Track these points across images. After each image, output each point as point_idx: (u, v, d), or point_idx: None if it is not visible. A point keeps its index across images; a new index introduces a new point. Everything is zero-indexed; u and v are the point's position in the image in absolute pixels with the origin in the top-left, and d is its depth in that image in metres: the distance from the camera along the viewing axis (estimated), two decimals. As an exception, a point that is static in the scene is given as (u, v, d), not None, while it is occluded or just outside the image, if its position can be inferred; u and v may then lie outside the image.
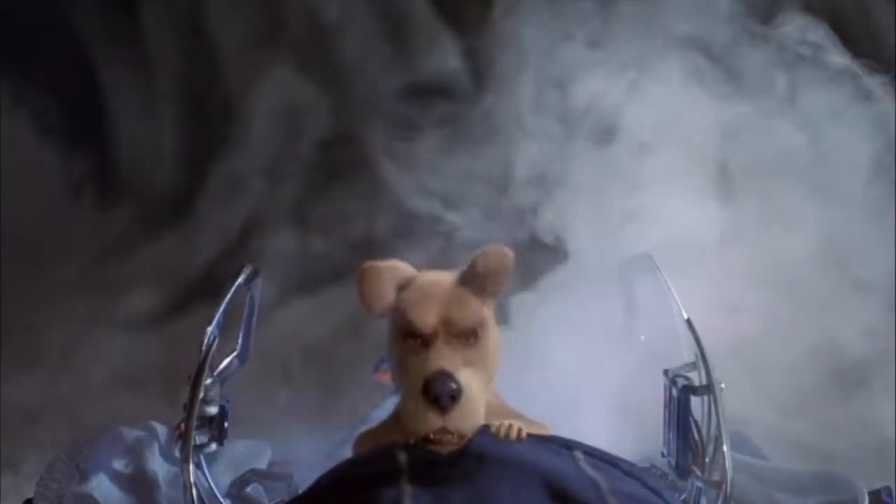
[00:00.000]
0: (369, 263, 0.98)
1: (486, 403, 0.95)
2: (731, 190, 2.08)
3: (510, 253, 0.97)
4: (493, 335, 0.97)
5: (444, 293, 0.96)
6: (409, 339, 0.95)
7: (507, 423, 0.93)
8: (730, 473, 0.94)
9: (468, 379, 0.92)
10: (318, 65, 2.80)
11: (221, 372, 1.07)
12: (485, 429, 0.91)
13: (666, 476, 1.06)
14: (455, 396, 0.91)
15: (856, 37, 2.75)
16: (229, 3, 2.85)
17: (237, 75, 2.85)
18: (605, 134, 2.22)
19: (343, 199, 2.57)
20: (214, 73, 2.86)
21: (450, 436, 0.91)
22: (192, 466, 0.96)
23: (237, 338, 1.12)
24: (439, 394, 0.90)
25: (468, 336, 0.94)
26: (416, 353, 0.94)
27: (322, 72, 2.79)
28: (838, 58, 2.22)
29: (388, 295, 0.97)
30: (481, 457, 0.85)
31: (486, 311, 0.97)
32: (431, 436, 0.91)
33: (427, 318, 0.95)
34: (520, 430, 0.92)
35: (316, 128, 2.75)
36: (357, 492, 0.86)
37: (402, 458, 0.88)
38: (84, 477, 1.06)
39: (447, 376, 0.91)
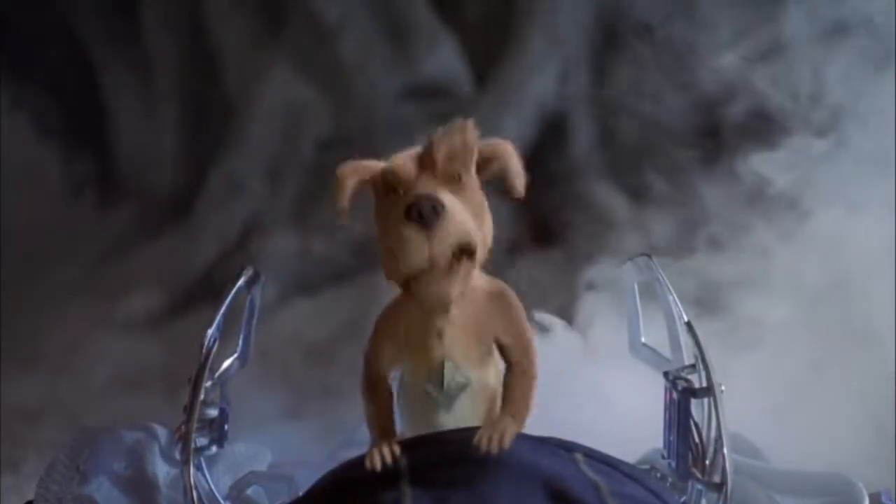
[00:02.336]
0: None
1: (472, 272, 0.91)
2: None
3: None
4: (485, 206, 0.93)
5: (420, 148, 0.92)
6: (391, 194, 0.91)
7: (494, 434, 0.87)
8: (730, 475, 0.94)
9: (453, 202, 0.88)
10: (319, 66, 2.80)
11: (222, 374, 1.07)
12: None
13: (666, 478, 1.06)
14: (438, 210, 0.86)
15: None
16: (229, 4, 2.85)
17: (237, 76, 2.85)
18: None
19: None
20: (214, 74, 2.87)
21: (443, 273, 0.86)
22: (192, 469, 0.95)
23: (237, 340, 1.12)
24: (422, 208, 0.86)
25: (452, 175, 0.90)
26: (396, 203, 0.89)
27: (322, 73, 2.79)
28: None
29: (364, 175, 0.93)
30: (482, 459, 0.85)
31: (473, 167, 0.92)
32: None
33: (406, 162, 0.91)
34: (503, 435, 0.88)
35: (316, 129, 2.75)
36: (357, 494, 0.86)
37: (402, 459, 0.88)
38: (84, 478, 1.06)
39: (430, 196, 0.87)
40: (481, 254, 0.92)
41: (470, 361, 0.95)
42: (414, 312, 0.95)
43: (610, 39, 2.74)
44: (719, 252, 2.06)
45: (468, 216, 0.89)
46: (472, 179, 0.92)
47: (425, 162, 0.91)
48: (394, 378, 0.99)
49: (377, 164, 0.95)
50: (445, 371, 0.94)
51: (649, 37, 2.42)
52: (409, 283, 0.91)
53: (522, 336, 0.96)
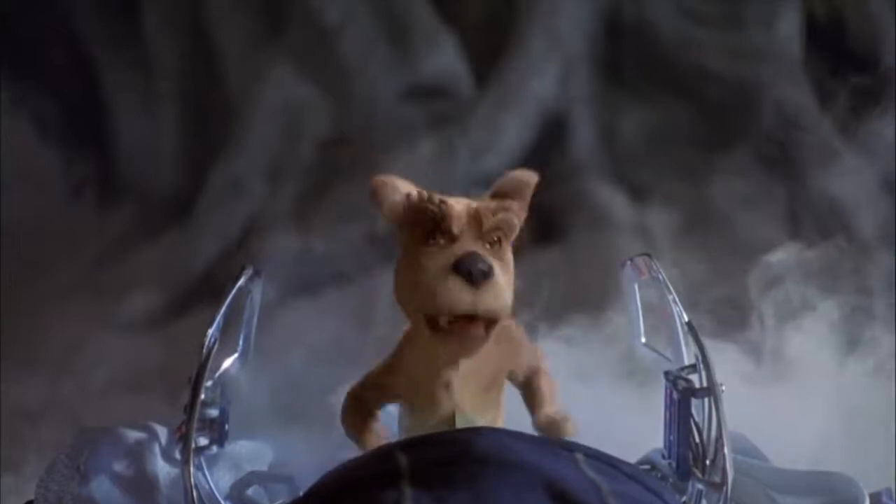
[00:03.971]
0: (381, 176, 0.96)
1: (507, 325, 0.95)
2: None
3: (533, 175, 0.96)
4: (512, 262, 0.96)
5: (467, 200, 0.95)
6: (432, 239, 0.92)
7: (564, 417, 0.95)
8: (730, 475, 0.94)
9: (499, 269, 0.91)
10: (319, 66, 2.80)
11: (222, 374, 1.07)
12: (485, 431, 0.91)
13: (667, 478, 1.06)
14: (487, 273, 0.89)
15: (855, 37, 2.76)
16: (230, 5, 2.85)
17: (237, 76, 2.85)
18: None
19: (344, 201, 2.58)
20: (215, 74, 2.87)
21: (478, 324, 0.90)
22: (192, 468, 0.95)
23: (238, 339, 1.12)
24: (472, 268, 0.89)
25: (496, 237, 0.93)
26: (440, 250, 0.91)
27: (322, 73, 2.79)
28: None
29: (402, 194, 0.95)
30: (482, 459, 0.85)
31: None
32: (454, 321, 0.90)
33: (456, 210, 0.92)
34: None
35: (316, 129, 2.75)
36: (357, 493, 0.86)
37: (403, 459, 0.88)
38: (84, 478, 1.06)
39: (479, 256, 0.90)
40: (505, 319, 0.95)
41: (478, 409, 0.97)
42: (422, 355, 0.96)
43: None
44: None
45: (507, 284, 0.93)
46: (508, 243, 0.96)
47: (475, 220, 0.93)
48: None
49: (411, 188, 0.96)
50: (457, 422, 0.95)
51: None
52: (434, 323, 0.93)
53: (534, 366, 1.01)
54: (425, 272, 0.91)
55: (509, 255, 0.95)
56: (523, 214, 0.96)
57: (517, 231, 0.95)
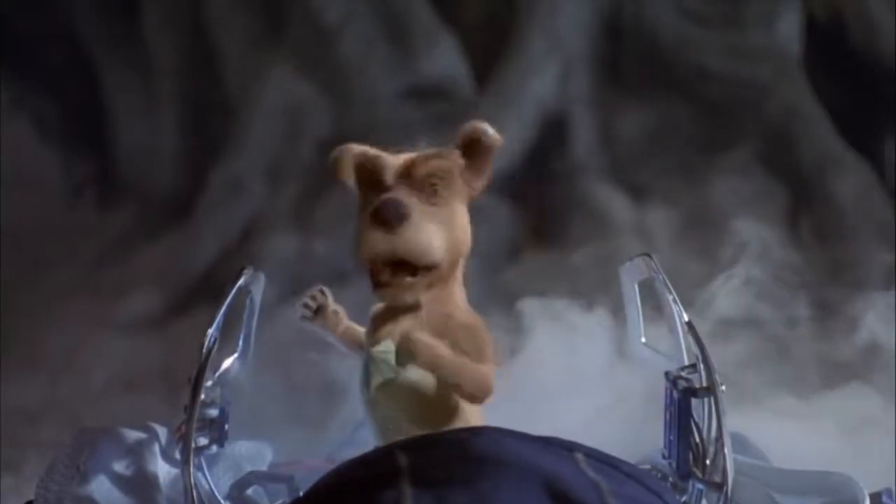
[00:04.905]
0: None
1: (450, 290, 0.97)
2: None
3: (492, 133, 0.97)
4: (461, 214, 0.98)
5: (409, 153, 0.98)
6: (370, 192, 0.96)
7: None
8: (731, 475, 0.94)
9: (422, 215, 0.93)
10: (319, 66, 2.80)
11: (222, 374, 1.07)
12: (485, 431, 0.91)
13: (667, 478, 1.06)
14: (403, 216, 0.92)
15: (856, 37, 2.76)
16: (230, 5, 2.85)
17: (237, 77, 2.85)
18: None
19: (344, 201, 2.58)
20: (215, 75, 2.87)
21: (400, 275, 0.93)
22: (192, 468, 0.95)
23: (238, 340, 1.12)
24: (386, 213, 0.92)
25: (431, 184, 0.95)
26: (372, 202, 0.95)
27: (322, 73, 2.79)
28: None
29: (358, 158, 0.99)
30: (482, 458, 0.85)
31: (458, 182, 0.97)
32: (380, 275, 0.94)
33: (388, 162, 0.97)
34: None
35: (316, 129, 2.75)
36: (357, 493, 0.86)
37: (403, 459, 0.88)
38: (84, 478, 1.06)
39: (397, 201, 0.93)
40: (447, 268, 0.97)
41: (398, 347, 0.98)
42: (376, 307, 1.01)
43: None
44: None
45: (435, 231, 0.95)
46: (453, 195, 0.97)
47: (408, 170, 0.96)
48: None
49: (369, 150, 1.00)
50: (388, 343, 0.97)
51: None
52: (373, 276, 0.96)
53: (482, 363, 0.99)
54: (357, 224, 0.96)
55: (452, 204, 0.97)
56: (481, 168, 0.98)
57: (458, 180, 0.97)
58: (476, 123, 0.99)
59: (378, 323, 1.00)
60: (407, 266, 0.95)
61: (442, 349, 0.96)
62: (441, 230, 0.95)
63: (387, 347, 0.97)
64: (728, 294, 1.98)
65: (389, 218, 0.92)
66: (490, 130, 0.98)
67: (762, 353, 1.99)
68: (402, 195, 0.94)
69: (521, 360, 1.66)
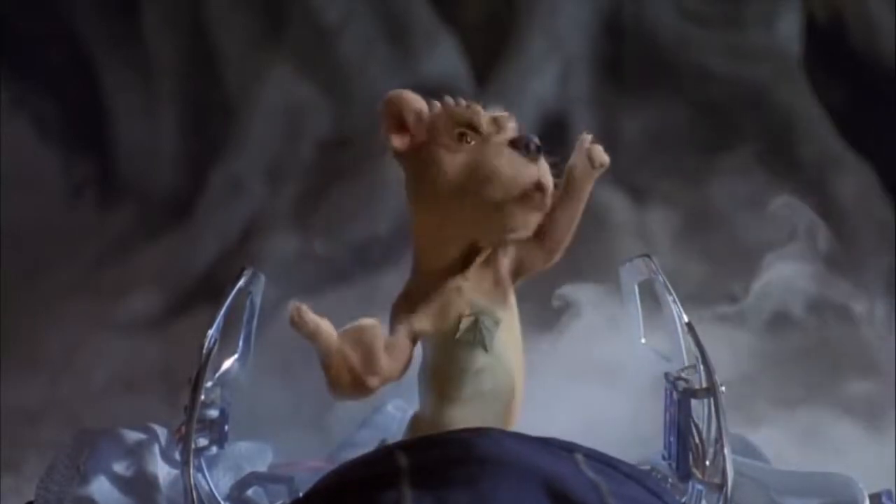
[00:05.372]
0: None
1: None
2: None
3: None
4: None
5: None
6: (464, 141, 0.94)
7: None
8: (730, 476, 0.94)
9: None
10: (319, 66, 2.80)
11: (222, 375, 1.07)
12: (486, 432, 0.91)
13: (666, 479, 1.06)
14: (540, 147, 0.93)
15: (856, 37, 2.76)
16: (230, 5, 2.85)
17: (237, 76, 2.85)
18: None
19: (344, 201, 2.58)
20: (214, 74, 2.87)
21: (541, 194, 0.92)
22: (192, 469, 0.95)
23: (238, 340, 1.12)
24: (529, 140, 0.92)
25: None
26: (479, 144, 0.94)
27: (322, 73, 2.80)
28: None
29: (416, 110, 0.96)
30: (483, 459, 0.86)
31: None
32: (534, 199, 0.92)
33: (482, 110, 0.96)
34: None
35: (316, 129, 2.75)
36: (357, 494, 0.86)
37: (403, 460, 0.88)
38: (84, 479, 1.06)
39: (532, 136, 0.93)
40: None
41: (496, 303, 0.96)
42: (426, 289, 0.96)
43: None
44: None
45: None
46: None
47: (501, 123, 0.96)
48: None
49: (422, 102, 0.97)
50: (475, 308, 0.95)
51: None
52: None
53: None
54: (480, 158, 0.93)
55: None
56: None
57: None
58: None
59: (424, 310, 0.96)
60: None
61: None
62: None
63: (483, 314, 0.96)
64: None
65: (533, 147, 0.92)
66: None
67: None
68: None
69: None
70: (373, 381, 0.93)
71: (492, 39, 2.85)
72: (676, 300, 1.06)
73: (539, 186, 0.93)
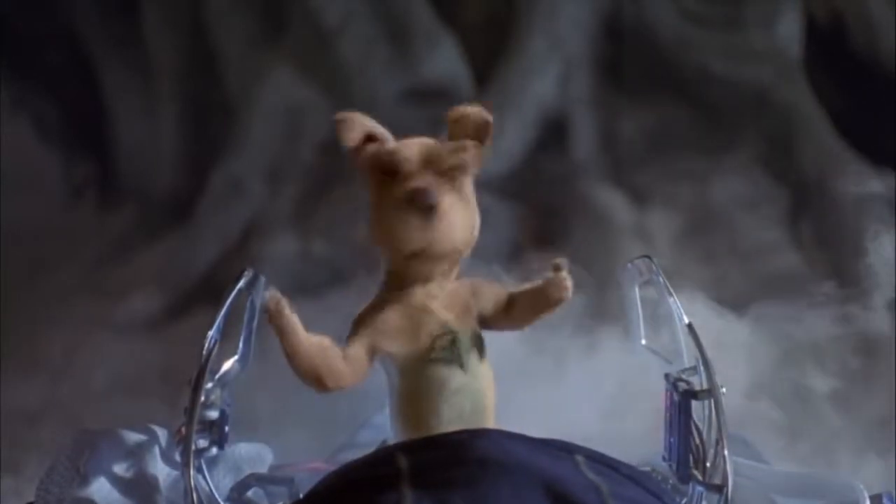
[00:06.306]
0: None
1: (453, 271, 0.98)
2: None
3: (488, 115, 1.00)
4: (474, 204, 0.99)
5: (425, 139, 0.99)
6: (390, 176, 0.96)
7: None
8: (731, 477, 0.94)
9: (453, 201, 0.94)
10: (319, 67, 2.80)
11: (222, 376, 1.07)
12: (485, 433, 0.91)
13: (667, 480, 1.06)
14: (436, 205, 0.93)
15: (856, 37, 2.76)
16: (230, 6, 2.85)
17: (237, 78, 2.85)
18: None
19: (344, 203, 2.58)
20: (215, 76, 2.87)
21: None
22: (192, 470, 0.95)
23: (238, 341, 1.12)
24: (424, 197, 0.92)
25: (453, 171, 0.96)
26: (396, 189, 0.95)
27: (322, 74, 2.79)
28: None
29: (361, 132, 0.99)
30: (482, 461, 0.86)
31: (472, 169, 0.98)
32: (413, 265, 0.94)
33: (410, 150, 0.97)
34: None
35: (316, 130, 2.75)
36: (357, 495, 0.86)
37: (403, 461, 0.88)
38: (85, 480, 1.06)
39: (431, 189, 0.93)
40: (467, 251, 0.98)
41: (466, 326, 0.98)
42: (395, 305, 0.98)
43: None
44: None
45: (464, 218, 0.96)
46: (468, 179, 0.98)
47: (432, 160, 0.96)
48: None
49: (371, 126, 1.00)
50: (449, 328, 0.96)
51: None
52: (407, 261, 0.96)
53: (499, 292, 1.01)
54: (383, 209, 0.95)
55: (468, 190, 0.98)
56: (479, 153, 0.99)
57: (472, 168, 0.98)
58: (476, 107, 1.01)
59: (391, 326, 0.98)
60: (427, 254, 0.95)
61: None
62: (467, 216, 0.97)
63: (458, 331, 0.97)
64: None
65: (431, 203, 0.93)
66: (484, 110, 1.01)
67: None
68: (430, 183, 0.95)
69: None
70: (332, 385, 0.97)
71: (492, 39, 2.85)
72: (677, 301, 1.06)
73: (424, 252, 0.94)
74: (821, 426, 1.85)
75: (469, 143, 0.98)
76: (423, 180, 0.95)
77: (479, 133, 0.99)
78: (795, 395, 1.90)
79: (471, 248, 0.99)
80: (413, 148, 0.97)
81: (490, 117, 1.00)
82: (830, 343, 2.04)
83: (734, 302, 1.95)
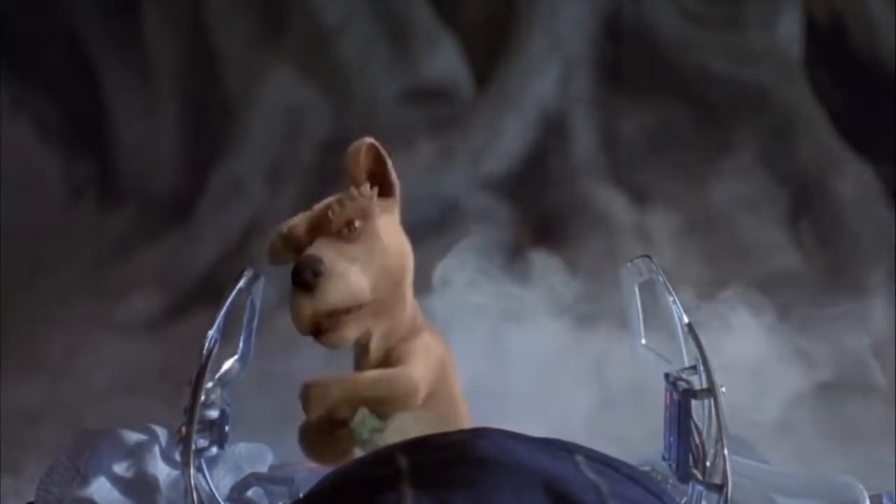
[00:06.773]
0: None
1: (398, 313, 0.97)
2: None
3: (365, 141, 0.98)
4: (391, 235, 0.97)
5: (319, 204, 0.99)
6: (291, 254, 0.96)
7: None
8: (731, 477, 0.94)
9: (335, 258, 0.93)
10: (319, 67, 2.80)
11: (222, 375, 1.07)
12: (486, 433, 0.91)
13: (667, 479, 1.06)
14: (318, 272, 0.91)
15: (856, 37, 2.76)
16: (230, 6, 2.85)
17: (237, 78, 2.85)
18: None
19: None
20: (215, 76, 2.87)
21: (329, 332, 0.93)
22: (192, 470, 0.95)
23: (238, 341, 1.12)
24: (301, 272, 0.91)
25: (342, 228, 0.95)
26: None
27: (322, 74, 2.79)
28: None
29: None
30: (482, 460, 0.85)
31: (377, 209, 0.97)
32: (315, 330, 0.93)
33: (299, 225, 0.97)
34: None
35: (316, 130, 2.75)
36: (357, 496, 0.86)
37: (403, 461, 0.88)
38: (85, 480, 1.06)
39: (313, 258, 0.92)
40: (388, 295, 0.96)
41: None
42: None
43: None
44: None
45: (353, 269, 0.94)
46: (373, 221, 0.97)
47: (321, 223, 0.97)
48: None
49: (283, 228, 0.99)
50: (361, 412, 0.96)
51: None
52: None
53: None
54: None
55: (373, 228, 0.96)
56: (388, 177, 0.99)
57: (375, 209, 0.97)
58: (366, 142, 0.99)
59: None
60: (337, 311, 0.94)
61: (342, 379, 0.96)
62: (364, 266, 0.94)
63: (361, 417, 0.97)
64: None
65: (305, 279, 0.92)
66: (371, 140, 0.99)
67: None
68: (317, 248, 0.94)
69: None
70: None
71: (492, 39, 2.85)
72: (677, 301, 1.06)
73: (314, 331, 0.93)
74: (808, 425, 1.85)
75: (354, 193, 0.97)
76: (311, 248, 0.94)
77: (375, 168, 0.99)
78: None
79: (397, 288, 0.97)
80: (301, 219, 0.98)
81: (379, 147, 0.98)
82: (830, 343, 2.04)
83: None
